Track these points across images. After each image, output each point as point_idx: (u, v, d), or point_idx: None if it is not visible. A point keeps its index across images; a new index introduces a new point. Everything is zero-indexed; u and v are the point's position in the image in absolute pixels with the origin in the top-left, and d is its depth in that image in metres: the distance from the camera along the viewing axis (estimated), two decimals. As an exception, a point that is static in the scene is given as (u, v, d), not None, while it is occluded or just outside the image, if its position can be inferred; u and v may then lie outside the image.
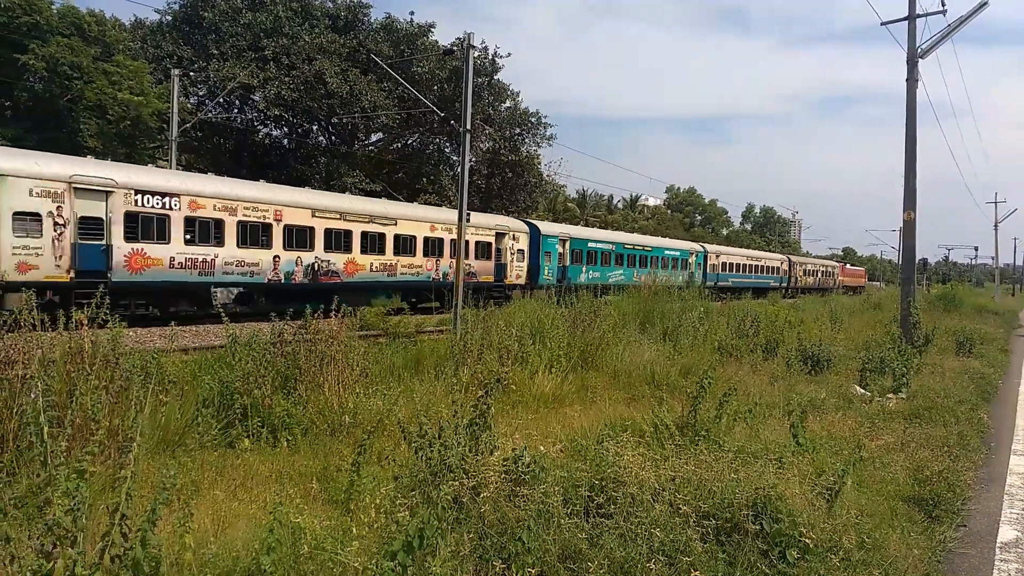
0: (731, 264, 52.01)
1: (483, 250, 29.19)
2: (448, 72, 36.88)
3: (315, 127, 39.91)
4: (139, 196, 18.40)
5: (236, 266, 20.46)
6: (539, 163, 45.49)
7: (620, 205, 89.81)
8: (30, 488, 4.68)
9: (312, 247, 22.39)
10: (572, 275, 33.02)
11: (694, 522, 4.74)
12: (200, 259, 19.65)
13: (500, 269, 30.19)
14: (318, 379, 7.97)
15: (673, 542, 4.50)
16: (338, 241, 23.25)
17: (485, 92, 39.42)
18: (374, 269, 24.56)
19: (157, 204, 18.76)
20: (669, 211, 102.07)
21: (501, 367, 9.68)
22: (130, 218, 18.21)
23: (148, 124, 29.77)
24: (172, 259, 19.04)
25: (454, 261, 23.89)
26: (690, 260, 45.55)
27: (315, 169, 36.59)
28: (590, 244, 36.51)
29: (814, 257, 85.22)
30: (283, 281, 21.46)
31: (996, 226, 63.94)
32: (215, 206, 20.08)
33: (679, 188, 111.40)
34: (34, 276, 16.33)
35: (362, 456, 5.48)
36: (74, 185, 17.14)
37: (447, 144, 42.48)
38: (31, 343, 6.23)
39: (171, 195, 19.08)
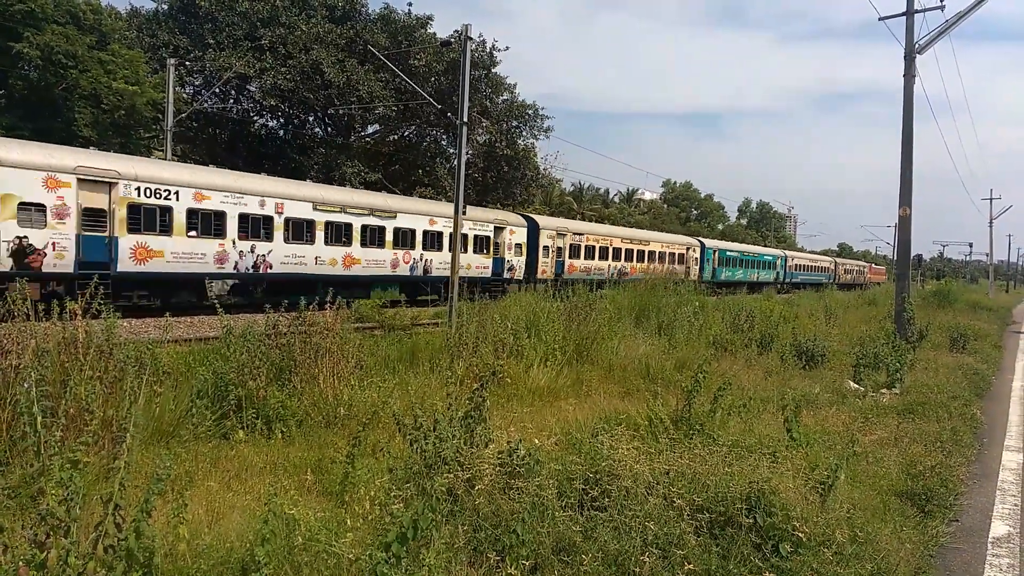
0: (800, 265, 68.67)
1: (679, 258, 45.69)
2: (445, 64, 36.75)
3: (311, 118, 39.76)
4: (576, 236, 35.95)
5: (596, 271, 36.28)
6: (535, 156, 45.48)
7: (617, 199, 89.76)
8: (23, 478, 4.68)
9: (620, 259, 39.49)
10: (718, 274, 49.71)
11: (688, 515, 4.75)
12: (592, 267, 36.66)
13: (687, 271, 45.32)
14: (313, 371, 7.95)
15: (667, 535, 4.51)
16: (629, 256, 40.49)
17: (482, 84, 39.31)
18: (637, 271, 37.96)
19: (578, 239, 35.91)
20: (665, 205, 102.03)
21: (496, 360, 9.68)
22: (570, 247, 35.25)
23: (143, 114, 29.56)
24: (580, 267, 35.90)
25: (660, 265, 42.65)
26: (777, 262, 62.36)
27: (313, 160, 36.48)
28: (727, 253, 53.26)
29: (851, 260, 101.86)
30: (610, 279, 30.14)
31: (991, 222, 64.19)
32: (595, 239, 37.54)
33: (676, 182, 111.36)
34: (543, 276, 31.87)
35: (357, 448, 5.48)
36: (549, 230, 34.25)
37: (444, 136, 42.37)
38: (25, 333, 6.20)
39: (581, 234, 36.51)
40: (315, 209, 23.17)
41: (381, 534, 3.99)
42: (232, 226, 20.72)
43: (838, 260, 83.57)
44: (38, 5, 26.80)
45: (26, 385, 5.10)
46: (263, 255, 21.55)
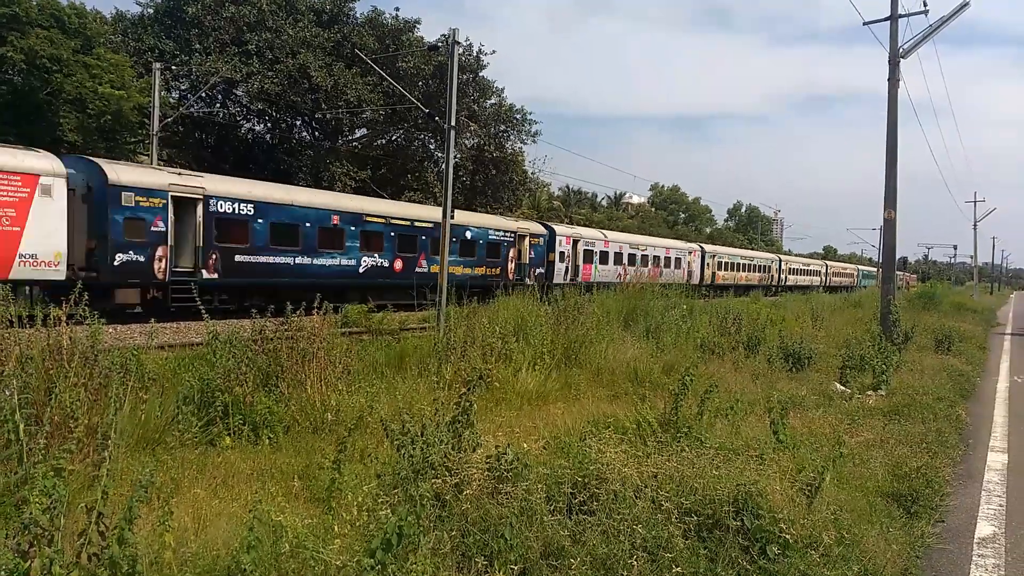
0: (836, 271, 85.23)
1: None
2: (433, 68, 36.75)
3: (299, 122, 39.64)
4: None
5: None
6: (523, 160, 45.52)
7: (604, 203, 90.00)
8: (7, 486, 4.63)
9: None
10: (864, 283, 62.51)
11: (676, 518, 4.76)
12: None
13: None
14: (300, 376, 7.91)
15: (655, 538, 4.51)
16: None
17: (470, 88, 39.31)
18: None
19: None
20: (653, 209, 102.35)
21: (484, 364, 9.66)
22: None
23: (129, 118, 29.42)
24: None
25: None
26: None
27: (301, 164, 36.34)
28: (865, 271, 76.51)
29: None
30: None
31: (975, 225, 64.79)
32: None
33: (663, 186, 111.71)
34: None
35: (344, 454, 5.45)
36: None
37: (432, 141, 42.35)
38: (9, 339, 6.14)
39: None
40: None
41: (368, 540, 3.97)
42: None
43: (862, 267, 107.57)
44: (22, 9, 26.61)
45: (8, 392, 5.05)
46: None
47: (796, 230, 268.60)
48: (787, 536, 4.69)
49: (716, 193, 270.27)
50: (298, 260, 22.88)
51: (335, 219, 24.36)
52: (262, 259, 21.92)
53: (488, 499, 4.76)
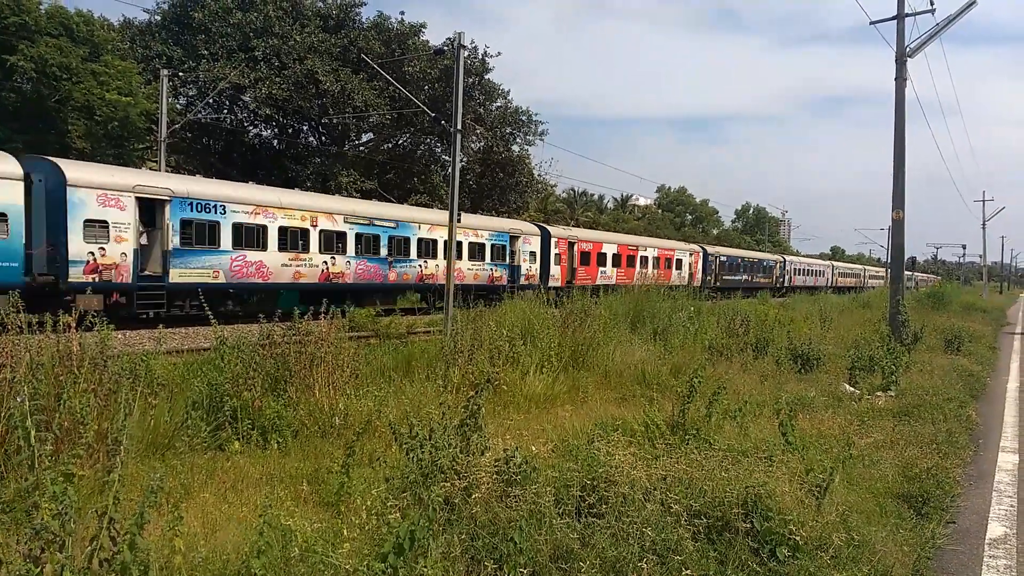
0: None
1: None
2: (439, 72, 36.79)
3: (306, 127, 39.75)
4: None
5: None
6: (530, 163, 45.48)
7: (610, 205, 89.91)
8: (18, 492, 4.66)
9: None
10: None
11: (685, 521, 4.75)
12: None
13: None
14: (308, 380, 7.93)
15: (664, 541, 4.51)
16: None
17: (476, 92, 39.36)
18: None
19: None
20: (660, 211, 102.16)
21: (492, 367, 9.66)
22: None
23: (137, 125, 29.48)
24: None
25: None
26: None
27: (308, 170, 36.45)
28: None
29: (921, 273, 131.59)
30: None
31: (984, 224, 64.44)
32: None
33: (670, 188, 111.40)
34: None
35: (352, 458, 5.47)
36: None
37: (438, 144, 42.40)
38: (19, 346, 6.18)
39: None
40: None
41: (378, 544, 3.98)
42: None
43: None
44: (32, 18, 26.75)
45: (19, 399, 5.08)
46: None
47: (803, 231, 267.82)
48: (797, 538, 4.68)
49: (722, 194, 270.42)
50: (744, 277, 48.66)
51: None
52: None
53: (497, 502, 4.76)
